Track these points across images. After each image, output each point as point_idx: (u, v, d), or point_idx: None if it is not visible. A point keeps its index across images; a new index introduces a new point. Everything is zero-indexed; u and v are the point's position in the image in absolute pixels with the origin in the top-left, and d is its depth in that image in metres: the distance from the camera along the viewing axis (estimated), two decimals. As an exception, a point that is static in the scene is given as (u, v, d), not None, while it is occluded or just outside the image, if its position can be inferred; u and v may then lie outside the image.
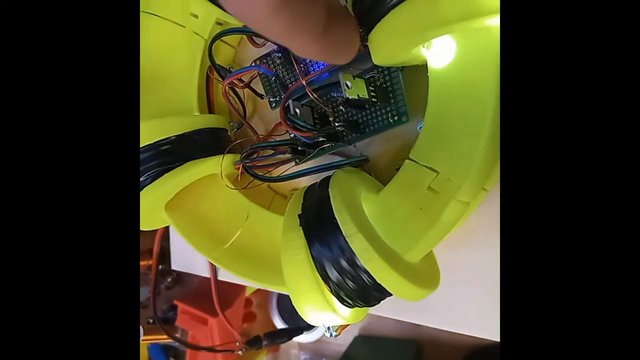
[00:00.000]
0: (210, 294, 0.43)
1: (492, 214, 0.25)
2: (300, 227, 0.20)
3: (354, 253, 0.19)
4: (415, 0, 0.15)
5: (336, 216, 0.19)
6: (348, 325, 0.21)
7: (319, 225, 0.19)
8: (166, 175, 0.23)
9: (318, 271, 0.20)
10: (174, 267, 0.37)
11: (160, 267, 0.59)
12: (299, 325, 0.47)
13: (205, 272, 0.36)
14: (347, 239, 0.18)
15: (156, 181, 0.23)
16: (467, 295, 0.26)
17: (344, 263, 0.19)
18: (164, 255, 0.51)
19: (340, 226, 0.19)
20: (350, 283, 0.19)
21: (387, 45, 0.18)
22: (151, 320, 0.57)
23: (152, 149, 0.23)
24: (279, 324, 0.50)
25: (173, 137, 0.23)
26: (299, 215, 0.20)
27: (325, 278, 0.20)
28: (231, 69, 0.29)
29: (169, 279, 0.58)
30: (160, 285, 0.59)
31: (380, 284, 0.19)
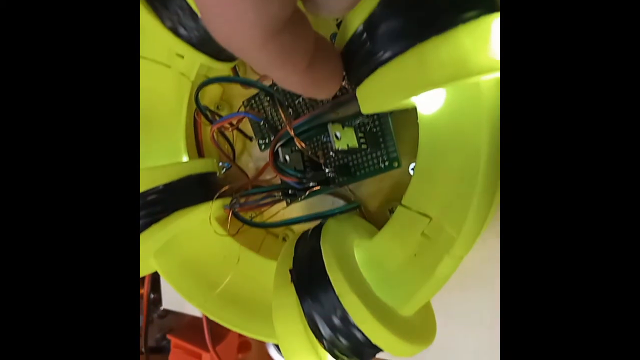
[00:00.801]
0: (203, 326, 0.43)
1: (488, 254, 0.24)
2: (292, 283, 0.19)
3: (346, 312, 0.18)
4: (404, 59, 0.15)
5: (328, 273, 0.18)
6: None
7: (310, 282, 0.19)
8: (154, 226, 0.22)
9: (310, 328, 0.19)
10: (165, 306, 0.36)
11: (152, 296, 0.59)
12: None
13: (197, 312, 0.35)
14: (339, 298, 0.18)
15: (144, 232, 0.22)
16: (463, 337, 0.26)
17: (336, 321, 0.19)
18: (157, 283, 0.50)
19: (333, 284, 0.18)
20: (343, 340, 0.19)
21: (375, 100, 0.18)
22: (143, 350, 0.56)
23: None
24: (275, 353, 0.49)
25: (160, 187, 0.23)
26: (290, 270, 0.20)
27: (319, 336, 0.19)
28: (219, 108, 0.29)
29: (162, 308, 0.58)
30: (152, 314, 0.58)
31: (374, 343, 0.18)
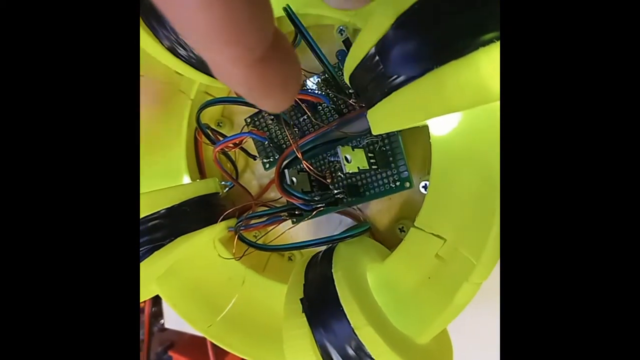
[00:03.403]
0: (206, 342, 0.42)
1: (497, 275, 0.23)
2: (303, 314, 0.18)
3: (362, 343, 0.17)
4: (420, 84, 0.14)
5: (342, 305, 0.18)
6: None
7: (323, 313, 0.18)
8: (156, 253, 0.21)
9: (323, 359, 0.18)
10: (167, 325, 0.35)
11: (153, 309, 0.58)
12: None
13: (201, 331, 0.34)
14: (355, 330, 0.17)
15: (146, 260, 0.21)
16: (472, 358, 0.25)
17: (350, 352, 0.18)
18: (158, 296, 0.49)
19: (348, 316, 0.17)
20: (358, 372, 0.18)
21: (388, 122, 0.17)
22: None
23: (141, 225, 0.22)
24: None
25: (162, 211, 0.22)
26: (301, 299, 0.19)
27: (332, 367, 0.18)
28: (220, 124, 0.28)
29: (162, 321, 0.57)
30: (153, 327, 0.58)
31: (392, 375, 0.17)
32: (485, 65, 0.13)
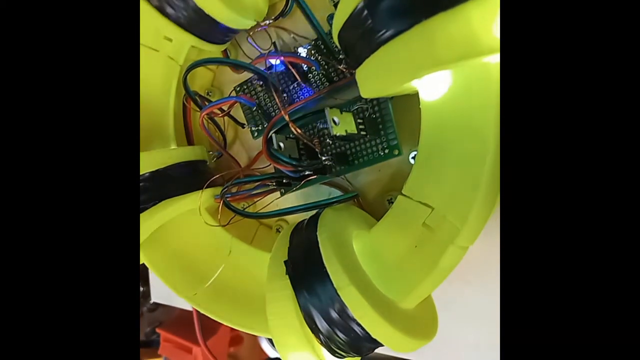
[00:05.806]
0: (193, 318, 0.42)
1: (489, 246, 0.23)
2: (287, 276, 0.18)
3: (345, 305, 0.17)
4: (408, 37, 0.14)
5: (326, 265, 0.17)
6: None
7: (307, 274, 0.18)
8: (140, 216, 0.21)
9: (306, 322, 0.18)
10: (154, 299, 0.35)
11: (141, 289, 0.57)
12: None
13: (187, 305, 0.34)
14: (338, 291, 0.17)
15: (129, 223, 0.21)
16: (463, 332, 0.25)
17: (334, 314, 0.18)
18: (146, 275, 0.49)
19: (331, 277, 0.17)
20: (341, 335, 0.18)
21: (376, 82, 0.17)
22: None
23: (124, 188, 0.21)
24: (267, 347, 0.48)
25: (147, 174, 0.21)
26: (285, 262, 0.19)
27: (315, 330, 0.18)
28: (209, 94, 0.28)
29: (151, 301, 0.56)
30: (142, 307, 0.57)
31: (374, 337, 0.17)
32: (476, 17, 0.13)
